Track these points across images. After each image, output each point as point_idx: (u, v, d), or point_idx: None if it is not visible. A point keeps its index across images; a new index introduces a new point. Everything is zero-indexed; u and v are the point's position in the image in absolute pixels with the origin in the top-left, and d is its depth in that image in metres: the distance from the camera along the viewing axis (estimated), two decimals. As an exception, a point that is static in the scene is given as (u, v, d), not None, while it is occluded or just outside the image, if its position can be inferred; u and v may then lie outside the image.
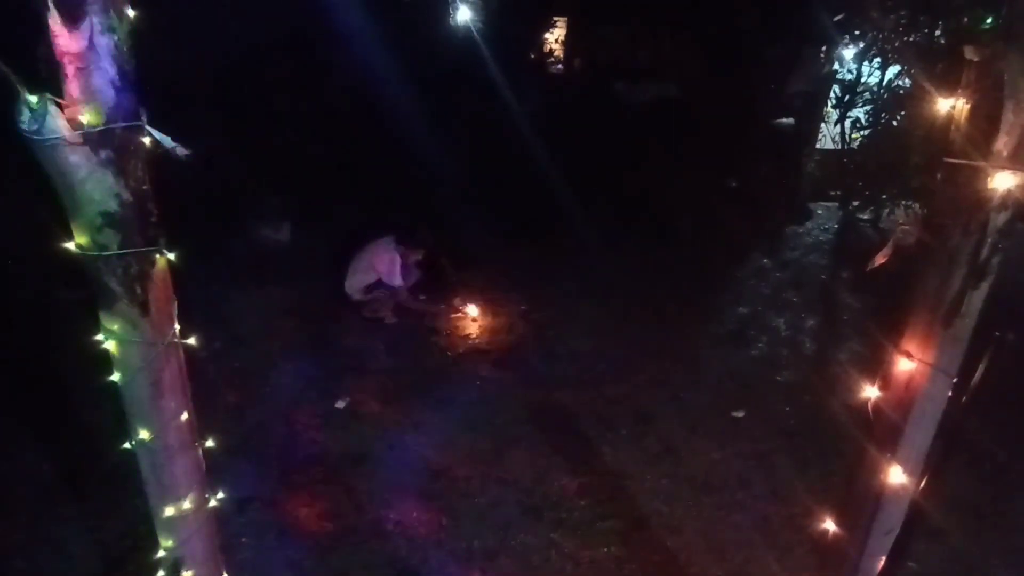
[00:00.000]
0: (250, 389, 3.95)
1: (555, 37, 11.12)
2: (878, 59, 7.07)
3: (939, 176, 1.41)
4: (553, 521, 3.06)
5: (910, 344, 1.54)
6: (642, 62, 9.19)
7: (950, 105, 1.37)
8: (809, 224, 7.22)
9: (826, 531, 1.97)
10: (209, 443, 1.75)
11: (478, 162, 7.31)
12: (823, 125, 8.01)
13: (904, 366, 1.56)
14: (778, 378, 4.33)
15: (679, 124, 8.16)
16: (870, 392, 1.68)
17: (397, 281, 4.80)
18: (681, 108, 8.65)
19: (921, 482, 1.69)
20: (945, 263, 1.42)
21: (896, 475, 1.65)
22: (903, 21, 5.91)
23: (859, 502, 1.79)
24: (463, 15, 10.27)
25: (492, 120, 7.94)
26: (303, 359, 4.30)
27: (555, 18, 10.91)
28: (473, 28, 10.04)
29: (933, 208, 1.48)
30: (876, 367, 1.71)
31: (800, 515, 3.06)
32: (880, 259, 1.57)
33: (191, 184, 4.15)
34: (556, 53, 11.09)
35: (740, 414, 3.90)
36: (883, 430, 1.65)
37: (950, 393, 1.60)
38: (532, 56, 10.63)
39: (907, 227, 1.58)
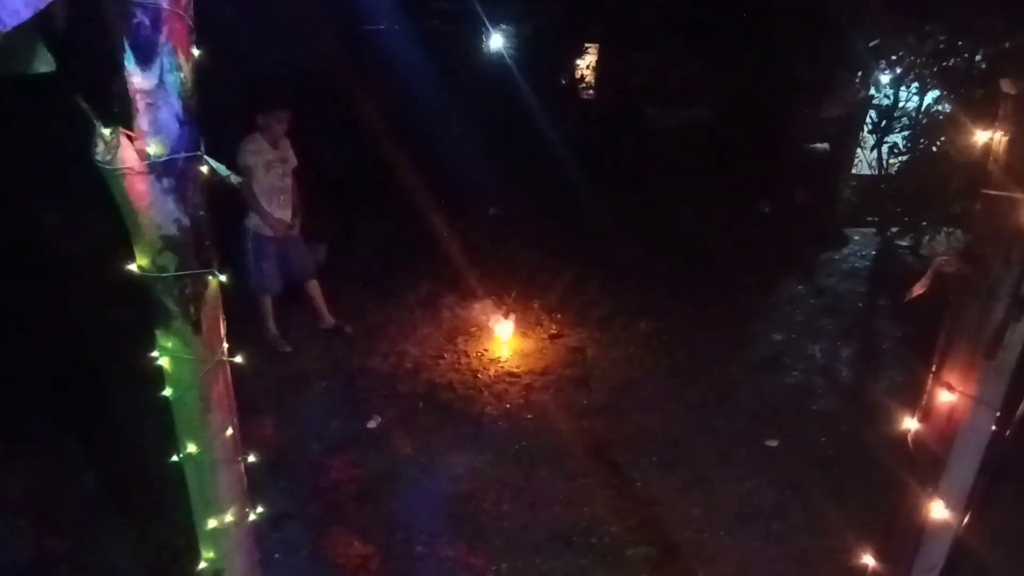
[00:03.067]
0: (285, 406, 4.04)
1: (586, 63, 11.29)
2: (916, 84, 6.98)
3: (978, 207, 1.41)
4: (583, 547, 3.04)
5: (951, 375, 1.52)
6: (673, 87, 9.25)
7: (988, 137, 1.37)
8: (845, 250, 7.10)
9: (866, 566, 1.92)
10: (251, 458, 1.81)
11: (510, 185, 7.42)
12: (859, 150, 7.91)
13: (945, 398, 1.54)
14: (814, 407, 4.24)
15: (711, 148, 8.17)
16: (910, 424, 1.65)
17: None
18: (713, 132, 8.66)
19: (965, 517, 1.64)
20: (985, 294, 1.41)
21: (939, 510, 1.61)
22: (941, 46, 5.84)
23: (900, 537, 1.75)
24: (496, 43, 10.52)
25: (524, 144, 8.08)
26: (336, 378, 4.39)
27: (586, 45, 11.09)
28: (506, 55, 10.27)
29: (972, 238, 1.47)
30: (916, 398, 1.68)
31: (839, 549, 2.97)
32: (919, 289, 1.56)
33: (233, 205, 4.33)
34: (587, 79, 11.24)
35: (774, 443, 3.83)
36: (924, 463, 1.62)
37: (994, 426, 1.56)
38: (564, 82, 10.79)
39: (946, 257, 1.56)
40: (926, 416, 1.60)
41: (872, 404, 4.18)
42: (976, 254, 1.42)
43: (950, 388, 1.51)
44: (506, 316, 5.01)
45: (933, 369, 1.55)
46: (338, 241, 6.27)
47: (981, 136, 1.40)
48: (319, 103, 6.95)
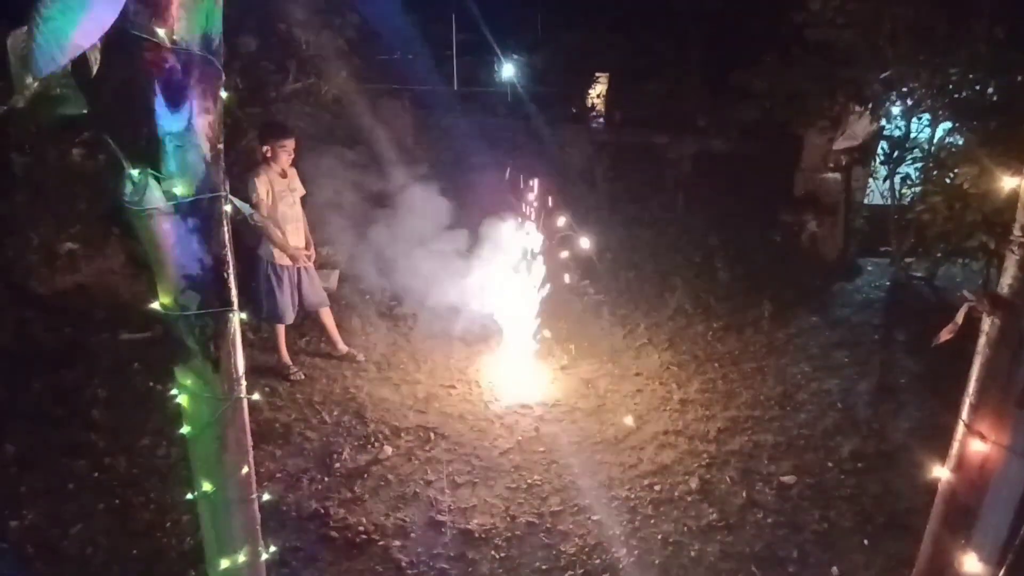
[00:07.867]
0: (295, 435, 4.01)
1: (597, 92, 11.40)
2: (927, 115, 6.98)
3: (1007, 253, 1.39)
4: (596, 588, 2.96)
5: (982, 425, 1.48)
6: (684, 116, 9.31)
7: (1015, 184, 1.36)
8: (859, 280, 7.03)
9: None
10: (266, 496, 1.79)
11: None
12: (871, 180, 7.89)
13: (977, 447, 1.50)
14: (830, 444, 4.15)
15: (722, 178, 8.19)
16: (940, 472, 1.61)
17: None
18: (724, 162, 8.68)
19: (1000, 572, 1.59)
20: (1016, 343, 1.38)
21: (971, 564, 1.56)
22: (953, 78, 5.85)
23: (930, 590, 1.69)
24: (508, 71, 10.68)
25: (534, 171, 8.11)
26: (347, 407, 4.36)
27: (597, 74, 11.22)
28: (518, 83, 10.42)
29: (1002, 285, 1.44)
30: (937, 435, 1.64)
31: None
32: (946, 335, 1.53)
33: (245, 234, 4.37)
34: (598, 107, 11.35)
35: (791, 479, 3.75)
36: (956, 514, 1.57)
37: (1027, 477, 1.52)
38: (574, 110, 10.90)
39: (974, 301, 1.54)
40: (957, 466, 1.56)
41: (891, 441, 4.09)
42: (1006, 301, 1.40)
43: (982, 437, 1.48)
44: (515, 348, 4.98)
45: (963, 417, 1.52)
46: (350, 268, 6.30)
47: (1008, 183, 1.38)
48: (332, 130, 7.06)
